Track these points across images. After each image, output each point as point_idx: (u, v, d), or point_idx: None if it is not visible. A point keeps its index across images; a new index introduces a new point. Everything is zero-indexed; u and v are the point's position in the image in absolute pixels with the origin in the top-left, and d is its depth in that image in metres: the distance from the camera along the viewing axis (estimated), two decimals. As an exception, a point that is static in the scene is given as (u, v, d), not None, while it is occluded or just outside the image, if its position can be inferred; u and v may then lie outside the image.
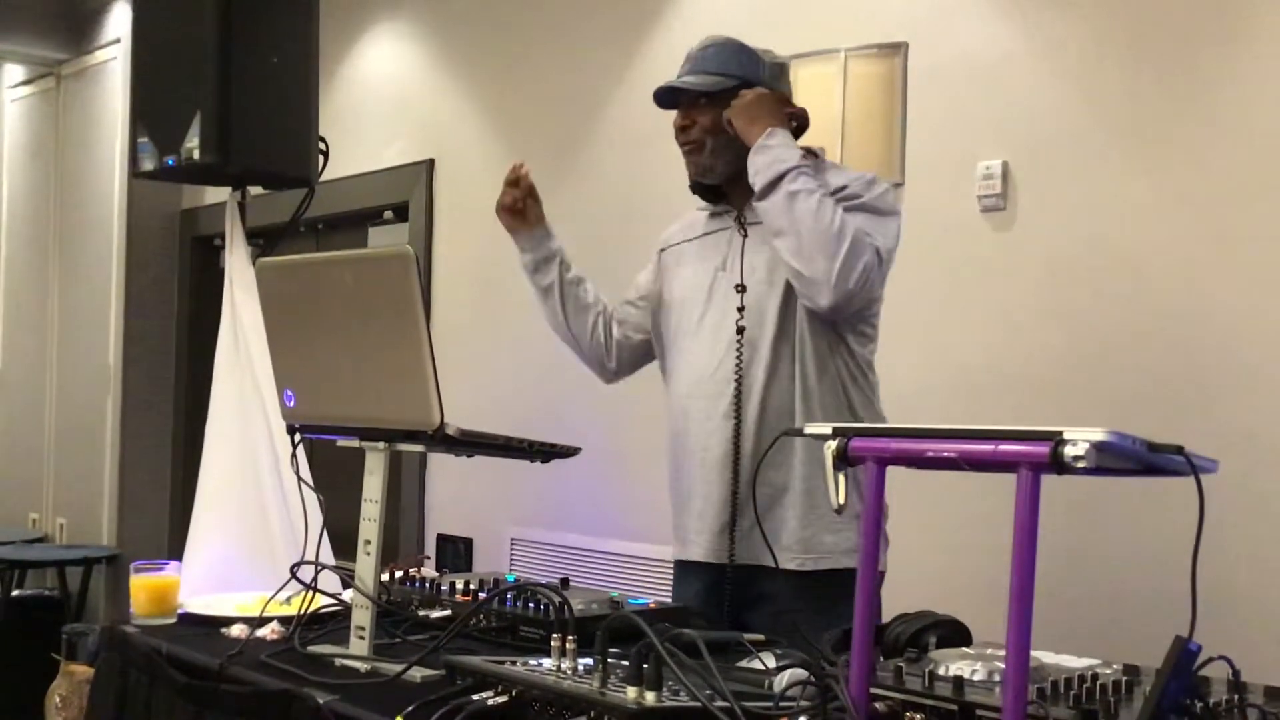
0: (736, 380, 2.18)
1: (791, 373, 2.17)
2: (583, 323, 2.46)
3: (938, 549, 2.84)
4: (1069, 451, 1.06)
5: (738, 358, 2.18)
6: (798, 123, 2.29)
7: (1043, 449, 1.08)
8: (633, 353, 2.48)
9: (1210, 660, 1.28)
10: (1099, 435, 1.06)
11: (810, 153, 2.25)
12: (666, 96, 2.29)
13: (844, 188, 2.16)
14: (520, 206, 2.41)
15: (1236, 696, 1.30)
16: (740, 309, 2.19)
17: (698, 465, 2.23)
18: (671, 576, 2.36)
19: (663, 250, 2.42)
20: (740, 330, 2.19)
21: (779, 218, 2.10)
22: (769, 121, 2.17)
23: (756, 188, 2.13)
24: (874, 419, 2.23)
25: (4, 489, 6.35)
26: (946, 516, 2.80)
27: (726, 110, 2.20)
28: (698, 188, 2.34)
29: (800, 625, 1.81)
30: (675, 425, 2.30)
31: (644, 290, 2.44)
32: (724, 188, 2.31)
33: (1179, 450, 1.13)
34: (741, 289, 2.20)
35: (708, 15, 3.49)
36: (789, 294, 2.16)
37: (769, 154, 2.13)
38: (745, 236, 2.24)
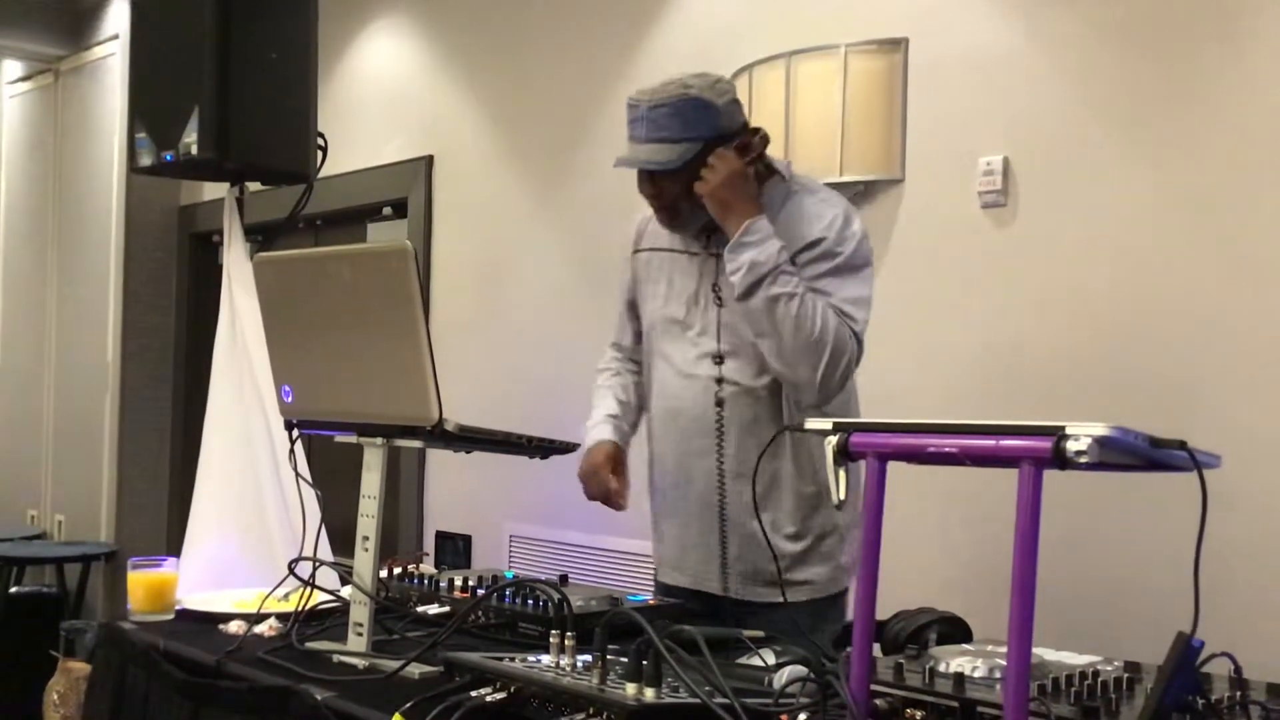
0: (719, 427, 2.20)
1: (776, 416, 2.18)
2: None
3: (938, 545, 2.84)
4: (1071, 447, 1.06)
5: (718, 409, 2.20)
6: (760, 146, 2.22)
7: (1045, 444, 1.07)
8: None
9: (1212, 657, 1.28)
10: (1101, 430, 1.06)
11: (774, 171, 2.23)
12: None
13: (818, 242, 2.13)
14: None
15: (1239, 693, 1.30)
16: (719, 380, 2.20)
17: (679, 497, 2.27)
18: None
19: (637, 252, 2.39)
20: (720, 402, 2.20)
21: (760, 321, 2.09)
22: (743, 210, 2.11)
23: (737, 290, 2.10)
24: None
25: (2, 486, 6.35)
26: (947, 513, 2.80)
27: (697, 185, 2.13)
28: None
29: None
30: (654, 441, 2.33)
31: (632, 290, 2.42)
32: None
33: (1181, 445, 1.12)
34: (719, 360, 2.20)
35: (707, 12, 3.48)
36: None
37: (747, 253, 2.08)
38: (721, 306, 2.20)
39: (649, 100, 2.16)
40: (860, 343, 2.12)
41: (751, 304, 2.08)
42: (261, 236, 3.27)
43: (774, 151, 3.06)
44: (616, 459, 2.33)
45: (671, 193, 2.19)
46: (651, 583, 2.42)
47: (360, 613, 1.83)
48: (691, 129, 2.15)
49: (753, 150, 2.18)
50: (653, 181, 2.20)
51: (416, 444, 1.85)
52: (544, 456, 2.11)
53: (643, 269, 2.36)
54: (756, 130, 2.22)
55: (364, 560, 1.84)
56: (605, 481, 2.29)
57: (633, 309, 2.42)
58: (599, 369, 2.50)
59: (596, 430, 2.36)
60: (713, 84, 2.18)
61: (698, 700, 1.28)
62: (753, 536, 2.16)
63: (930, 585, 2.43)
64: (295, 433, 2.04)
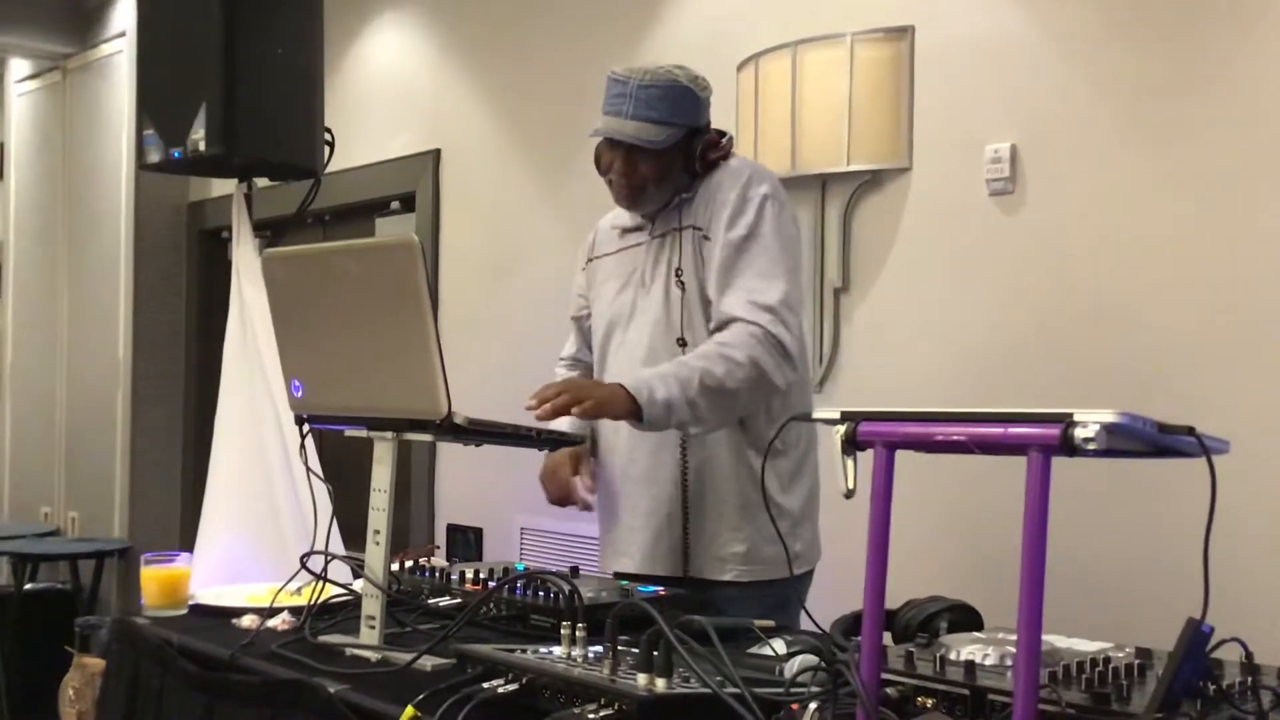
0: None
1: None
2: None
3: (948, 534, 2.83)
4: (1079, 433, 1.06)
5: None
6: (728, 147, 2.30)
7: (1053, 431, 1.07)
8: None
9: (1223, 642, 1.28)
10: (1109, 417, 1.05)
11: (720, 136, 2.27)
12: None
13: (745, 236, 2.16)
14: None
15: (1249, 678, 1.29)
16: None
17: (625, 479, 2.28)
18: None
19: (590, 260, 2.44)
20: None
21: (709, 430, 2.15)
22: (611, 398, 2.03)
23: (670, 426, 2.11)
24: (805, 397, 2.32)
25: (16, 483, 6.38)
26: (956, 501, 2.80)
27: (576, 410, 2.02)
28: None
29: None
30: (606, 440, 2.33)
31: (588, 300, 2.47)
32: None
33: (1190, 431, 1.12)
34: (682, 343, 2.22)
35: (713, 2, 3.47)
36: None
37: (656, 424, 2.06)
38: (684, 290, 2.22)
39: (639, 79, 2.21)
40: (778, 339, 2.11)
41: (691, 428, 2.12)
42: (270, 232, 3.27)
43: (781, 141, 3.07)
44: (579, 456, 2.31)
45: (642, 174, 2.23)
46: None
47: (372, 606, 1.83)
48: (678, 114, 2.22)
49: (720, 150, 2.27)
50: (628, 159, 2.23)
51: (426, 437, 1.85)
52: (553, 449, 2.12)
53: (594, 276, 2.42)
54: (724, 133, 2.31)
55: (375, 553, 1.85)
56: (567, 479, 2.27)
57: (585, 321, 2.47)
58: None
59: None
60: (695, 78, 2.26)
61: (709, 690, 1.29)
62: (713, 513, 2.21)
63: (940, 573, 2.43)
64: (305, 427, 2.04)
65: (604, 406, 2.03)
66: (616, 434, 2.29)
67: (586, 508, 2.29)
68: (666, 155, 2.22)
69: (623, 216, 2.40)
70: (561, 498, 2.30)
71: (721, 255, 2.18)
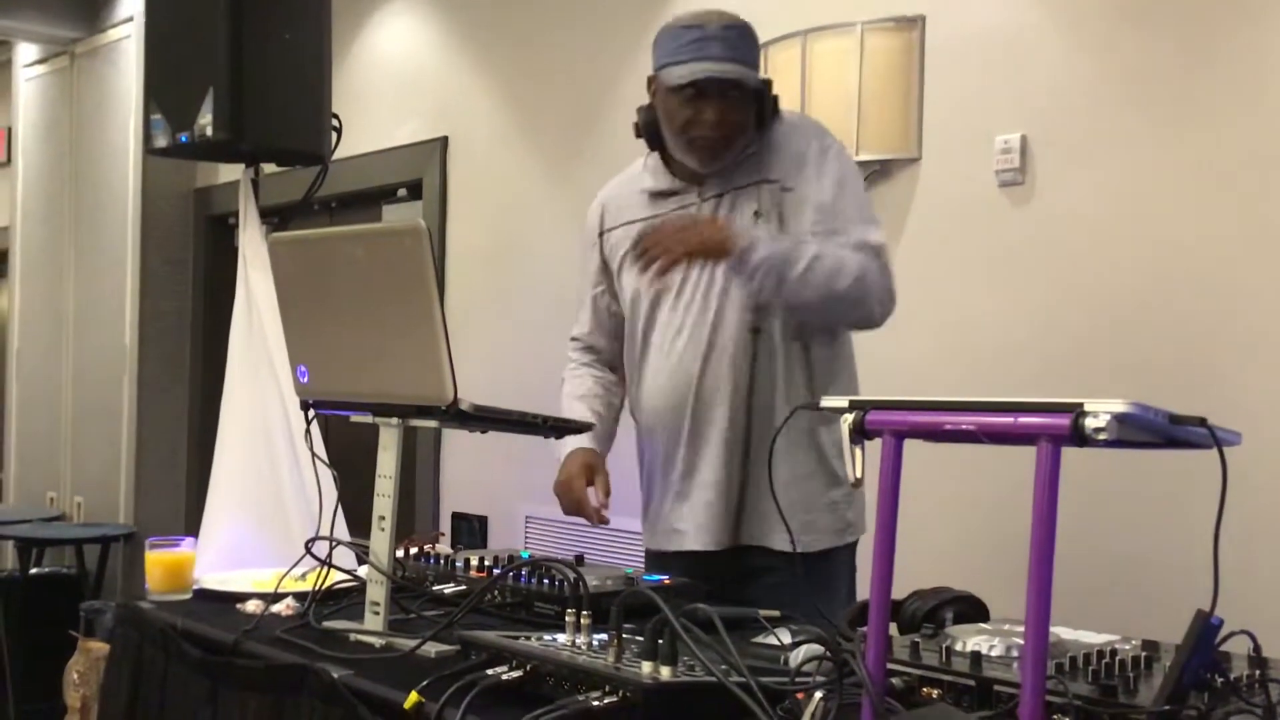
0: (752, 361, 2.16)
1: (789, 373, 2.16)
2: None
3: (954, 524, 2.83)
4: (1090, 423, 1.05)
5: (753, 337, 2.16)
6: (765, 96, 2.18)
7: (1063, 421, 1.06)
8: None
9: (1231, 635, 1.27)
10: (1120, 407, 1.04)
11: (769, 89, 2.17)
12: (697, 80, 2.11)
13: (837, 186, 2.11)
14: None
15: (1258, 671, 1.29)
16: (755, 330, 2.16)
17: (694, 453, 2.20)
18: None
19: (605, 233, 2.32)
20: (756, 330, 2.15)
21: (806, 308, 2.10)
22: (734, 244, 2.02)
23: (764, 293, 2.08)
24: (849, 371, 2.29)
25: (22, 468, 6.39)
26: (963, 491, 2.79)
27: (691, 254, 2.02)
28: (672, 167, 2.22)
29: (799, 601, 1.83)
30: (653, 420, 2.26)
31: (604, 276, 2.36)
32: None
33: (1201, 422, 1.11)
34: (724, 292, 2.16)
35: (723, -11, 3.46)
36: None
37: (755, 255, 2.02)
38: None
39: (718, 21, 2.11)
40: (888, 268, 2.12)
41: (786, 294, 2.05)
42: (277, 218, 3.27)
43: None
44: (593, 468, 2.22)
45: (734, 120, 2.11)
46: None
47: (377, 592, 1.83)
48: (755, 57, 2.15)
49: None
50: (722, 106, 2.09)
51: (432, 424, 1.85)
52: (559, 436, 2.11)
53: (618, 246, 2.28)
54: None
55: (380, 539, 1.85)
56: (580, 494, 2.19)
57: (601, 298, 2.36)
58: (566, 374, 2.42)
59: (571, 437, 2.22)
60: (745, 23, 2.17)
61: (714, 679, 1.28)
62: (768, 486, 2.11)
63: (947, 564, 2.41)
64: (311, 413, 2.04)
65: (707, 250, 2.01)
66: (657, 417, 2.24)
67: (601, 521, 2.21)
68: (751, 101, 2.11)
69: (642, 179, 2.27)
70: (575, 511, 2.24)
71: (818, 204, 2.11)
